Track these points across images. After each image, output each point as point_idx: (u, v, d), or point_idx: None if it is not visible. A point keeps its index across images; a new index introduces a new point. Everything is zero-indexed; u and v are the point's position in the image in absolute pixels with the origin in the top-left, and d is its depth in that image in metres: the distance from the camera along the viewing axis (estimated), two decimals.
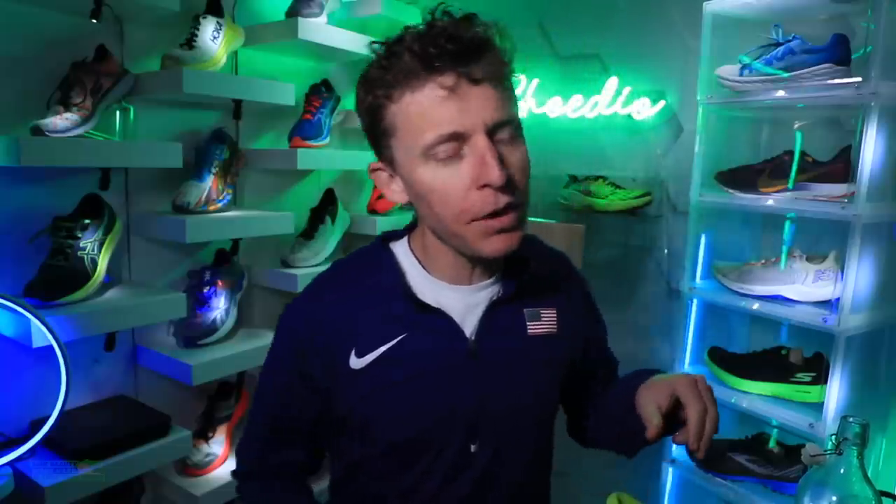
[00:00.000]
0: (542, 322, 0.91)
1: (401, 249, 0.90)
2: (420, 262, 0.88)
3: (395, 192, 0.85)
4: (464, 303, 0.87)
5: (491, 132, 0.75)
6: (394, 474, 0.88)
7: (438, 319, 0.85)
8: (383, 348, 0.84)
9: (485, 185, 0.75)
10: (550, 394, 0.94)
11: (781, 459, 1.57)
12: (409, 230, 0.92)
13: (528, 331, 0.89)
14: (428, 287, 0.87)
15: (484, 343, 0.86)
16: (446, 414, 0.85)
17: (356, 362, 0.85)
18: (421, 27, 0.76)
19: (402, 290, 0.85)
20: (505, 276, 0.90)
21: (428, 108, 0.75)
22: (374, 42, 0.79)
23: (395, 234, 0.93)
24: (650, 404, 0.78)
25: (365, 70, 0.80)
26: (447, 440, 0.86)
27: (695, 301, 1.76)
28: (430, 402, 0.85)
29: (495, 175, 0.74)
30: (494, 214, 0.77)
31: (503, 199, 0.76)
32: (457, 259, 0.85)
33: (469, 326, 0.86)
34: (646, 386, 0.83)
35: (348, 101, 1.97)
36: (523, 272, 0.89)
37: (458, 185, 0.76)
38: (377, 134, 0.81)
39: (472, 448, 0.86)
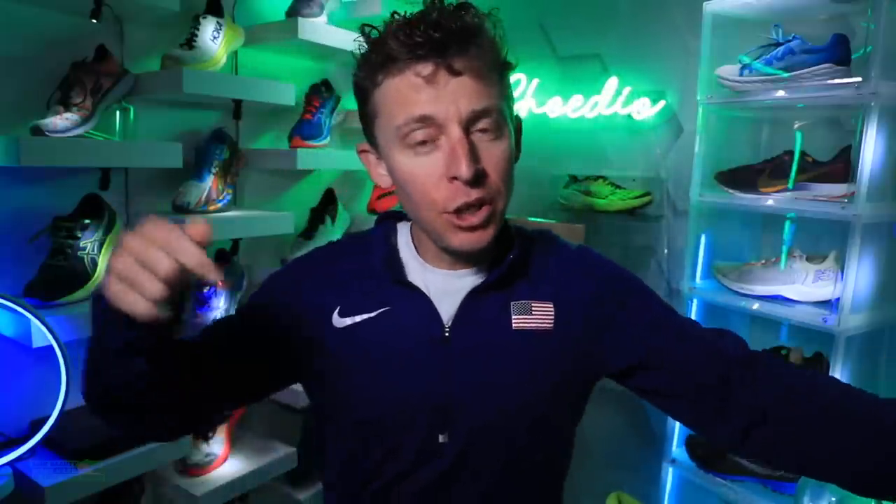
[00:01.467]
0: (533, 316, 0.85)
1: (404, 230, 0.91)
2: (415, 243, 0.89)
3: (382, 175, 0.85)
4: (444, 287, 0.85)
5: (468, 124, 0.74)
6: (360, 453, 0.87)
7: (419, 299, 0.84)
8: (364, 316, 0.84)
9: (454, 178, 0.74)
10: (546, 397, 0.86)
11: None
12: None
13: (514, 325, 0.84)
14: (415, 268, 0.87)
15: (459, 331, 0.83)
16: (413, 397, 0.83)
17: (338, 321, 0.85)
18: (410, 13, 0.76)
19: (389, 264, 0.86)
20: (493, 265, 0.86)
21: (404, 93, 0.75)
22: (364, 25, 0.79)
23: (405, 215, 0.92)
24: None
25: (358, 51, 0.80)
26: (412, 424, 0.83)
27: (695, 301, 1.76)
28: (397, 382, 0.84)
29: (463, 169, 0.73)
30: (464, 209, 0.76)
31: (474, 194, 0.75)
32: (437, 250, 0.85)
33: (446, 312, 0.84)
34: None
35: (348, 101, 1.97)
36: (510, 262, 0.85)
37: (430, 175, 0.76)
38: (364, 116, 0.82)
39: (441, 438, 0.83)
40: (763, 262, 1.63)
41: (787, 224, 1.62)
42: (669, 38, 1.88)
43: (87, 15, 1.36)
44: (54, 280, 1.31)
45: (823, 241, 1.57)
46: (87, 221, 1.36)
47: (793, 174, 1.54)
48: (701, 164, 1.69)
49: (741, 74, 1.57)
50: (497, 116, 0.76)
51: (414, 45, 0.73)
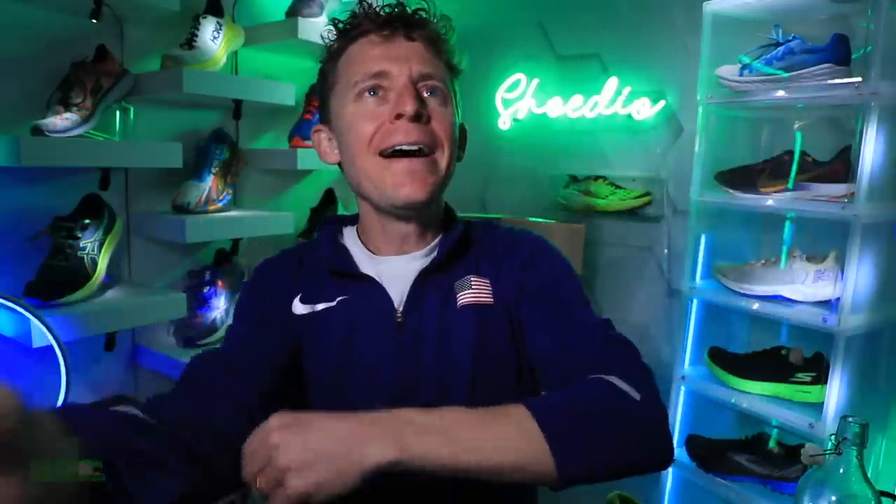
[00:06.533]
0: (473, 290, 0.88)
1: (350, 230, 0.97)
2: (361, 239, 0.94)
3: (330, 153, 0.92)
4: (394, 273, 0.89)
5: (417, 81, 0.83)
6: None
7: (371, 288, 0.87)
8: (325, 304, 0.88)
9: (399, 116, 0.80)
10: (500, 369, 0.87)
11: (781, 459, 1.57)
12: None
13: (459, 302, 0.88)
14: (366, 260, 0.91)
15: (412, 314, 0.86)
16: (371, 384, 0.85)
17: (299, 307, 0.89)
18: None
19: (340, 260, 0.90)
20: (439, 249, 0.91)
21: (364, 51, 0.85)
22: (335, 20, 0.88)
23: (349, 220, 0.99)
24: None
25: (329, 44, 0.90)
26: (371, 410, 0.81)
27: (695, 301, 1.76)
28: (359, 370, 0.85)
29: (409, 105, 0.80)
30: (402, 153, 0.81)
31: (413, 135, 0.81)
32: (384, 229, 0.89)
33: (398, 297, 0.87)
34: None
35: None
36: (455, 238, 0.90)
37: (375, 116, 0.82)
38: (323, 94, 0.91)
39: None
40: (763, 262, 1.63)
41: (787, 224, 1.62)
42: (669, 38, 1.88)
43: (87, 15, 1.36)
44: (54, 280, 1.31)
45: (823, 241, 1.57)
46: (87, 221, 1.37)
47: (793, 174, 1.53)
48: (701, 164, 1.69)
49: (741, 74, 1.57)
50: (444, 86, 0.86)
51: (378, 16, 0.85)
